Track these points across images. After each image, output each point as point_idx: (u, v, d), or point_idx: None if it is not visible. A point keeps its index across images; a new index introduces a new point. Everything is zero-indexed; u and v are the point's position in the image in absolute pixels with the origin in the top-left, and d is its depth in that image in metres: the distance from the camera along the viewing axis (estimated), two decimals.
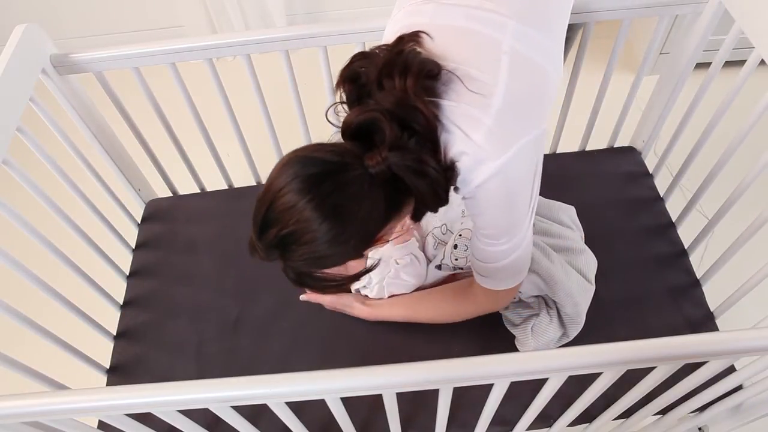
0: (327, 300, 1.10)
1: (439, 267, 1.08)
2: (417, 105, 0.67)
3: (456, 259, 1.06)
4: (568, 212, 1.16)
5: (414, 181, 0.68)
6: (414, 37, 0.72)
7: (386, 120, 0.66)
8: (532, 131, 0.73)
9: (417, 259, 1.08)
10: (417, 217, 0.77)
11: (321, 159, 0.67)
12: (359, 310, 1.09)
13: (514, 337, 1.07)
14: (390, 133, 0.66)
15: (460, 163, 0.73)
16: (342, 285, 0.78)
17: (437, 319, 1.05)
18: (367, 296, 1.10)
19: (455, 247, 1.06)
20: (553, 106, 0.79)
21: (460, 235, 1.06)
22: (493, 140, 0.71)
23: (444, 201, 0.74)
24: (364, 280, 1.08)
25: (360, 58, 0.73)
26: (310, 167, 0.67)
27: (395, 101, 0.67)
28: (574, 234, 1.12)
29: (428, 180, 0.69)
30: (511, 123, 0.72)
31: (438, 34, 0.74)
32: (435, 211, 0.77)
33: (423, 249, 1.11)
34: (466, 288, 0.99)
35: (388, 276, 1.06)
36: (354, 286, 1.11)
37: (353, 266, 0.79)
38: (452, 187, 0.75)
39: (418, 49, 0.71)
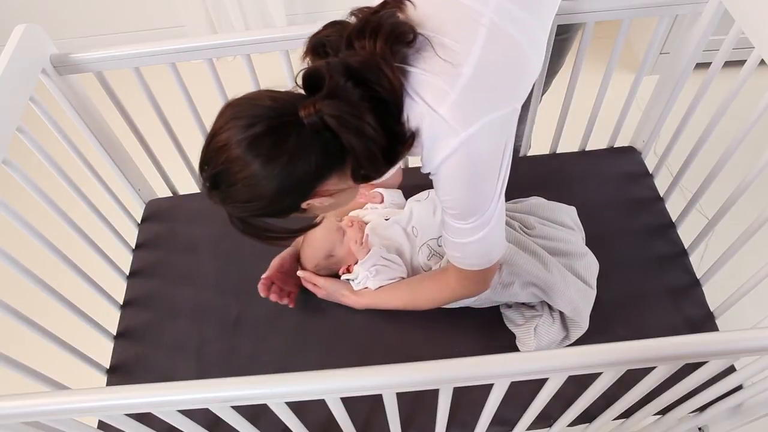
0: (320, 282, 1.10)
1: None
2: (383, 68, 0.67)
3: None
4: (569, 213, 1.16)
5: (346, 136, 0.67)
6: (398, 3, 0.72)
7: (328, 70, 0.66)
8: (501, 108, 0.72)
9: (386, 267, 1.06)
10: (356, 178, 0.76)
11: (260, 105, 0.69)
12: (346, 298, 1.09)
13: (514, 337, 1.07)
14: (329, 82, 0.66)
15: (423, 135, 0.72)
16: (283, 239, 0.79)
17: (416, 304, 1.05)
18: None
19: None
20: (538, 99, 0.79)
21: None
22: (458, 113, 0.69)
23: (381, 166, 0.73)
24: (354, 274, 1.09)
25: (330, 26, 0.73)
26: (248, 111, 0.68)
27: (360, 60, 0.67)
28: (576, 236, 1.12)
29: (363, 137, 0.68)
30: (478, 96, 0.70)
31: (421, 2, 0.73)
32: (374, 175, 0.75)
33: (412, 258, 1.10)
34: (441, 273, 0.99)
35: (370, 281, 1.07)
36: (344, 277, 1.11)
37: (296, 220, 0.79)
38: (403, 152, 0.74)
39: (397, 13, 0.71)
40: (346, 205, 0.85)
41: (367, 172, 0.74)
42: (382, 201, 1.18)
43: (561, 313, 1.05)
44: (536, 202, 1.17)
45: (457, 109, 0.70)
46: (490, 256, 0.86)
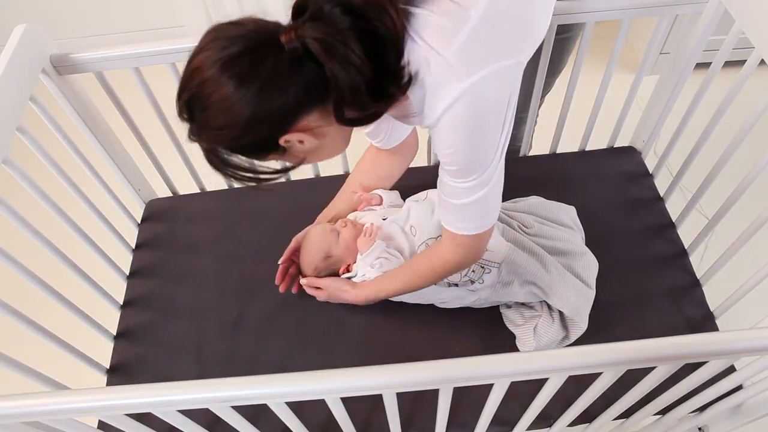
0: (321, 282, 1.09)
1: None
2: (386, 7, 0.65)
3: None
4: (568, 212, 1.16)
5: (329, 62, 0.64)
6: None
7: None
8: (506, 59, 0.69)
9: (388, 260, 1.06)
10: (339, 118, 0.71)
11: (243, 27, 0.67)
12: (347, 293, 1.08)
13: (514, 337, 1.07)
14: (313, 6, 0.64)
15: (425, 81, 0.69)
16: (256, 180, 0.76)
17: (414, 283, 1.01)
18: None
19: None
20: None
21: None
22: (464, 57, 0.67)
23: (367, 102, 0.69)
24: (354, 272, 1.08)
25: None
26: (228, 32, 0.66)
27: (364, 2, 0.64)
28: (575, 236, 1.12)
29: (346, 65, 0.64)
30: (485, 43, 0.68)
31: None
32: (359, 113, 0.71)
33: (411, 257, 1.09)
34: (433, 247, 0.97)
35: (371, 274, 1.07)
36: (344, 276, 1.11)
37: (270, 159, 0.75)
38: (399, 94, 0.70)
39: None
40: (330, 153, 0.81)
41: (351, 109, 0.70)
42: (381, 202, 1.18)
43: (560, 313, 1.05)
44: (535, 201, 1.17)
45: (464, 52, 0.66)
46: (486, 219, 0.84)
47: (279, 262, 1.14)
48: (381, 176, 1.18)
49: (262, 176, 0.76)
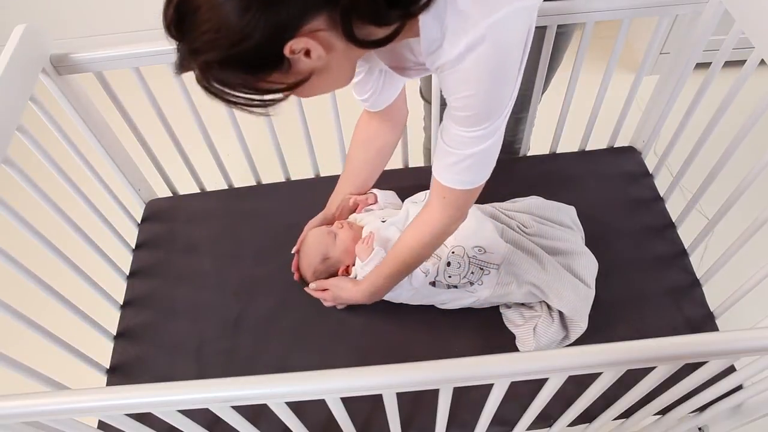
0: (325, 284, 1.09)
1: (433, 283, 1.07)
2: None
3: (449, 276, 1.05)
4: (568, 213, 1.16)
5: None
6: None
7: None
8: None
9: None
10: (347, 31, 0.63)
11: None
12: (347, 292, 1.07)
13: (514, 337, 1.07)
14: None
15: (445, 11, 0.64)
16: (260, 102, 0.67)
17: (410, 257, 0.97)
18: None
19: (448, 264, 1.05)
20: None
21: (453, 252, 1.05)
22: None
23: (381, 9, 0.62)
24: (353, 275, 1.08)
25: None
26: None
27: None
28: (575, 236, 1.12)
29: None
30: None
31: None
32: (371, 24, 0.63)
33: None
34: (418, 219, 0.93)
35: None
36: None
37: (273, 81, 0.65)
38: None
39: None
40: (335, 80, 0.74)
41: (361, 17, 0.62)
42: (376, 201, 1.18)
43: (560, 313, 1.05)
44: (535, 201, 1.17)
45: None
46: (482, 174, 0.81)
47: (292, 252, 1.16)
48: (378, 148, 1.15)
49: (266, 97, 0.67)
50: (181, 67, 0.63)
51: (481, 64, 0.67)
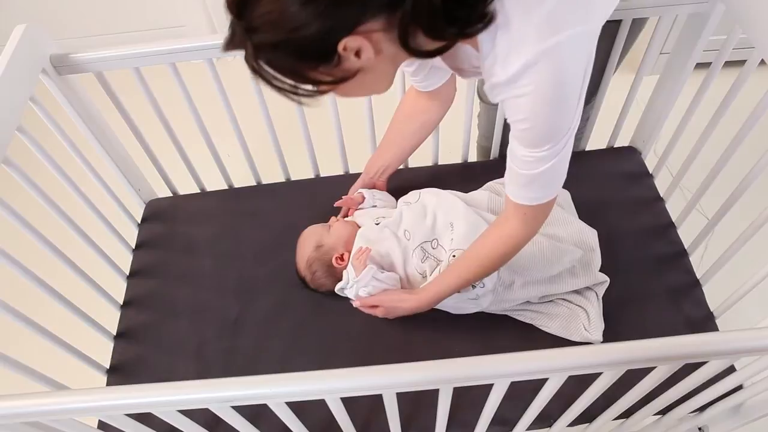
0: (374, 300, 1.06)
1: None
2: None
3: None
4: (561, 194, 1.17)
5: None
6: None
7: None
8: (588, 23, 0.66)
9: (378, 282, 1.05)
10: (403, 39, 0.64)
11: None
12: (406, 302, 1.03)
13: (514, 337, 1.07)
14: None
15: (498, 33, 0.65)
16: (305, 93, 0.68)
17: (485, 270, 0.96)
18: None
19: None
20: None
21: (454, 256, 1.05)
22: (547, 20, 0.64)
23: (440, 23, 0.63)
24: (345, 279, 1.08)
25: None
26: None
27: None
28: (564, 213, 1.14)
29: None
30: (569, 7, 0.65)
31: None
32: (429, 35, 0.64)
33: (405, 263, 1.09)
34: (497, 229, 0.92)
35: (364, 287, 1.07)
36: (338, 287, 1.11)
37: (319, 72, 0.66)
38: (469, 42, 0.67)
39: None
40: (375, 84, 0.74)
41: (419, 27, 0.63)
42: (363, 200, 1.19)
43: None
44: None
45: (548, 16, 0.64)
46: (554, 188, 0.81)
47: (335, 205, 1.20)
48: (423, 121, 1.15)
49: (308, 87, 0.67)
50: (231, 43, 0.63)
51: (535, 90, 0.67)
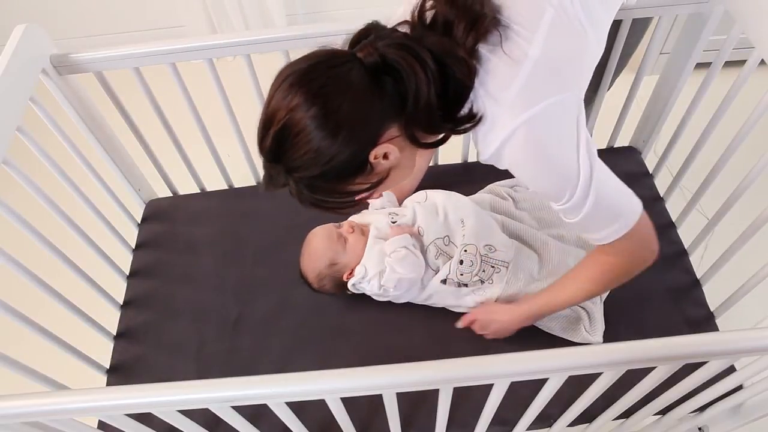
0: (471, 317, 1.04)
1: (444, 281, 1.06)
2: (465, 57, 0.69)
3: (461, 275, 1.05)
4: None
5: (409, 74, 0.67)
6: None
7: (379, 28, 0.70)
8: (563, 93, 0.71)
9: (413, 253, 1.05)
10: (407, 134, 0.73)
11: (315, 55, 0.69)
12: (501, 315, 1.01)
13: (514, 337, 1.07)
14: (386, 31, 0.70)
15: (484, 116, 0.72)
16: (349, 204, 0.76)
17: (592, 292, 0.92)
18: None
19: (461, 262, 1.05)
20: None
21: (465, 250, 1.05)
22: (519, 97, 0.70)
23: (436, 121, 0.72)
24: (360, 273, 1.07)
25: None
26: (303, 63, 0.68)
27: (443, 48, 0.68)
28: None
29: (423, 81, 0.67)
30: (541, 83, 0.70)
31: None
32: (426, 131, 0.74)
33: (423, 255, 1.09)
34: (593, 259, 0.89)
35: (384, 272, 1.05)
36: (351, 282, 1.09)
37: (357, 183, 0.74)
38: (465, 130, 0.74)
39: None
40: (404, 172, 0.80)
41: (420, 125, 0.72)
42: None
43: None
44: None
45: (520, 94, 0.70)
46: (621, 217, 0.77)
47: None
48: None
49: (359, 194, 0.76)
50: (273, 184, 0.73)
51: (521, 161, 0.74)
